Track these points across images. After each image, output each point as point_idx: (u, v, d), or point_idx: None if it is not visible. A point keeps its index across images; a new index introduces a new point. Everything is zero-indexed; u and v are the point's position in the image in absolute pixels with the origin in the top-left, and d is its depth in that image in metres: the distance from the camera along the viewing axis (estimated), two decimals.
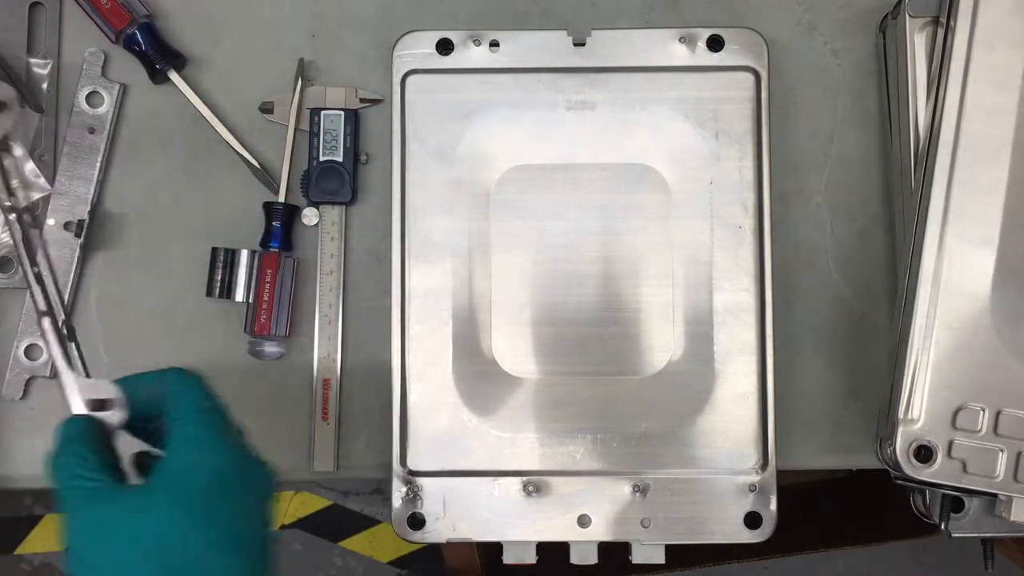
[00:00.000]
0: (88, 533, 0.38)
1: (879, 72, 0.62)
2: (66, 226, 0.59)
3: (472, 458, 0.57)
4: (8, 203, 0.47)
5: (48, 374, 0.59)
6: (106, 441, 0.42)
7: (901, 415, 0.53)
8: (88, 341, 0.60)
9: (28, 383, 0.60)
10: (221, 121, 0.61)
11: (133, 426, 0.43)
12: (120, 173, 0.61)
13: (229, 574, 0.39)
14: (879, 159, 0.61)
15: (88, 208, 0.60)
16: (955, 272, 0.53)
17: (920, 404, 0.53)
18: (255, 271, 0.58)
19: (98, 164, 0.60)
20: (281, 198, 0.60)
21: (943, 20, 0.56)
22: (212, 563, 0.38)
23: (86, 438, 0.41)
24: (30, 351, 0.59)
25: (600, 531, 0.57)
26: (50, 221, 0.60)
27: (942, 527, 0.56)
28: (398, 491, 0.57)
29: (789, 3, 0.62)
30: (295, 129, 0.60)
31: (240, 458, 0.44)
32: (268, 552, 0.41)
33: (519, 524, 0.57)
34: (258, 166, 0.61)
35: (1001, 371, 0.53)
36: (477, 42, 0.59)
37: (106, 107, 0.61)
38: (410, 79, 0.59)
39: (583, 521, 0.57)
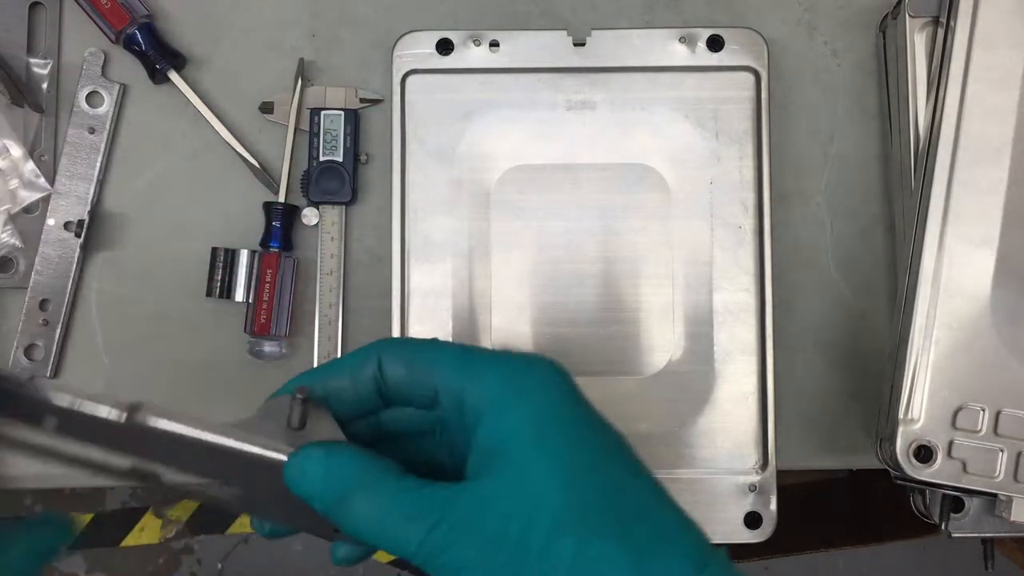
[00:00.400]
0: (459, 552, 0.32)
1: (879, 72, 0.62)
2: (66, 226, 0.59)
3: None
4: None
5: (48, 374, 0.59)
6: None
7: (901, 415, 0.53)
8: (88, 341, 0.60)
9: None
10: (221, 121, 0.61)
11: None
12: (120, 173, 0.61)
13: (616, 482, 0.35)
14: (879, 159, 0.61)
15: (88, 208, 0.60)
16: (955, 272, 0.53)
17: (920, 404, 0.53)
18: (255, 271, 0.58)
19: (98, 164, 0.60)
20: (281, 198, 0.60)
21: (943, 20, 0.56)
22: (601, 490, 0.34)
23: (375, 468, 0.34)
24: (30, 351, 0.59)
25: None
26: (50, 221, 0.60)
27: (942, 527, 0.56)
28: None
29: (789, 3, 0.62)
30: (295, 129, 0.61)
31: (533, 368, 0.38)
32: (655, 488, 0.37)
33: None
34: (258, 166, 0.61)
35: (1001, 371, 0.53)
36: (477, 42, 0.59)
37: (106, 107, 0.61)
38: (410, 79, 0.59)
39: None
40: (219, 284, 0.58)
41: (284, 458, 0.34)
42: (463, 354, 0.37)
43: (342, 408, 0.37)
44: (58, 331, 0.59)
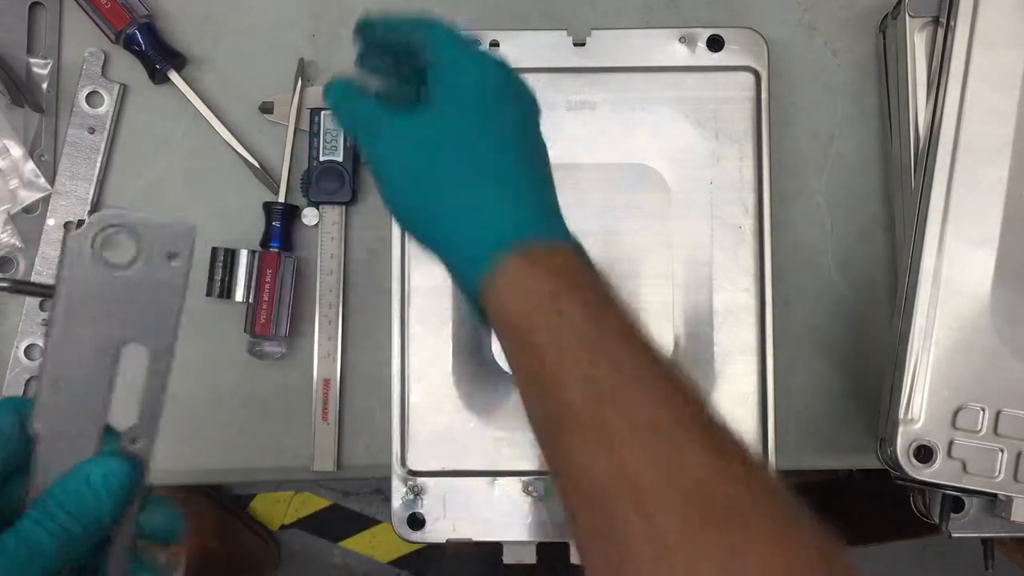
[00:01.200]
0: (398, 150, 0.42)
1: (879, 72, 0.62)
2: (66, 226, 0.59)
3: (472, 458, 0.57)
4: None
5: None
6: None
7: (901, 415, 0.53)
8: None
9: (28, 383, 0.60)
10: (221, 121, 0.61)
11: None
12: (120, 173, 0.61)
13: (535, 167, 0.45)
14: (879, 159, 0.61)
15: (88, 208, 0.60)
16: (955, 272, 0.53)
17: (920, 404, 0.53)
18: (255, 271, 0.58)
19: (98, 164, 0.60)
20: (281, 198, 0.60)
21: (943, 20, 0.56)
22: (492, 161, 0.42)
23: (361, 92, 0.45)
24: (30, 351, 0.59)
25: None
26: (50, 221, 0.60)
27: (942, 527, 0.56)
28: (398, 491, 0.57)
29: (789, 3, 0.62)
30: (295, 129, 0.61)
31: (506, 70, 0.45)
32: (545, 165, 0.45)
33: (519, 524, 0.57)
34: (258, 166, 0.61)
35: (1001, 371, 0.53)
36: (477, 42, 0.59)
37: (106, 107, 0.61)
38: None
39: None
40: (219, 284, 0.58)
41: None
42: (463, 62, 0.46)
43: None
44: None
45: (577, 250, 0.42)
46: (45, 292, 0.35)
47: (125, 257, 0.35)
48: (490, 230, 0.40)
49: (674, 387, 0.36)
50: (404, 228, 0.44)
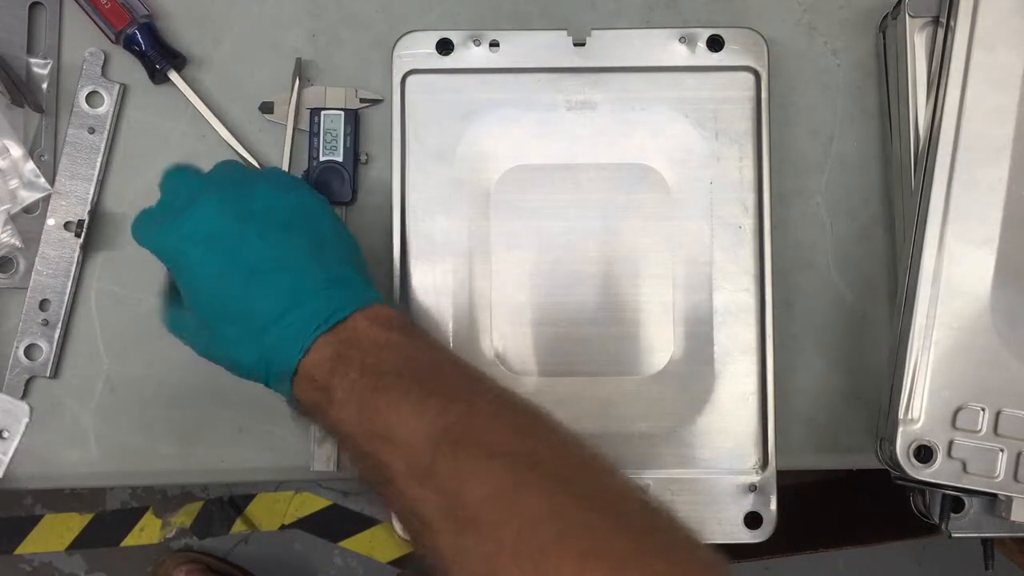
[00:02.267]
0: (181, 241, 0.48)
1: (879, 72, 0.62)
2: (66, 226, 0.59)
3: None
4: None
5: (48, 374, 0.59)
6: None
7: (901, 415, 0.53)
8: (87, 341, 0.60)
9: (28, 383, 0.60)
10: (221, 121, 0.61)
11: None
12: (120, 173, 0.61)
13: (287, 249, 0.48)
14: (879, 159, 0.61)
15: (88, 208, 0.60)
16: (955, 272, 0.53)
17: (920, 404, 0.53)
18: None
19: (98, 164, 0.60)
20: None
21: (943, 20, 0.56)
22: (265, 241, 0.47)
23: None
24: (30, 351, 0.59)
25: None
26: (50, 221, 0.60)
27: (942, 527, 0.56)
28: None
29: (789, 3, 0.62)
30: (294, 129, 0.60)
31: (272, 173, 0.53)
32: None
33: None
34: (258, 166, 0.60)
35: (1001, 371, 0.53)
36: (477, 42, 0.59)
37: (106, 107, 0.61)
38: (410, 79, 0.59)
39: None
40: None
41: None
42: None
43: None
44: (58, 331, 0.59)
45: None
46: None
47: None
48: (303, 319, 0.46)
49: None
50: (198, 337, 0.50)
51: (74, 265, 0.59)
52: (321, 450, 0.59)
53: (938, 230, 0.53)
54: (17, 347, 0.59)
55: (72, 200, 0.60)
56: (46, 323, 0.59)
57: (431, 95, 0.59)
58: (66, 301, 0.59)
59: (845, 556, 1.30)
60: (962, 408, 0.53)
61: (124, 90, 0.61)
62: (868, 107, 0.62)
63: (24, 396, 0.59)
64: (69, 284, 0.59)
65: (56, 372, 0.60)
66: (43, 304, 0.59)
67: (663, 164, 0.59)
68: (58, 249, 0.59)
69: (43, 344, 0.59)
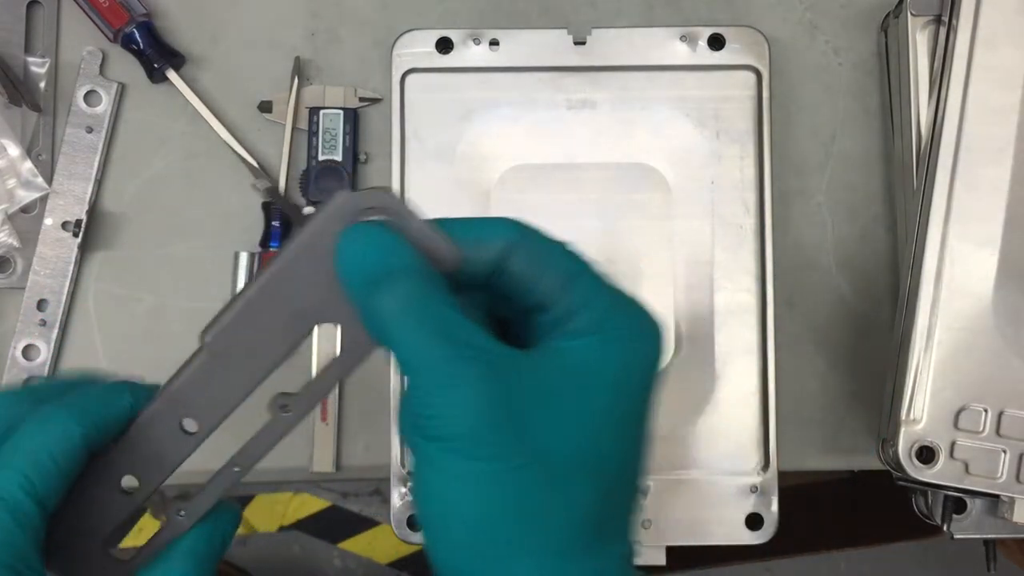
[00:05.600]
0: (495, 406, 0.27)
1: (881, 71, 0.61)
2: (64, 226, 0.59)
3: None
4: None
5: (46, 374, 0.59)
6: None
7: (903, 416, 0.52)
8: (86, 341, 0.60)
9: (26, 384, 0.59)
10: (220, 120, 0.61)
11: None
12: (118, 173, 0.61)
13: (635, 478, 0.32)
14: (881, 158, 0.61)
15: (86, 208, 0.59)
16: (957, 272, 0.53)
17: (922, 405, 0.52)
18: (255, 272, 0.58)
19: (96, 163, 0.60)
20: None
21: (945, 19, 0.56)
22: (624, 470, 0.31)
23: (431, 272, 0.29)
24: (28, 351, 0.59)
25: None
26: (48, 221, 0.59)
27: (944, 528, 0.56)
28: (397, 492, 0.56)
29: (790, 2, 0.62)
30: (293, 128, 0.60)
31: (647, 318, 0.33)
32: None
33: None
34: (257, 165, 0.60)
35: (1003, 371, 0.52)
36: (477, 41, 0.59)
37: (104, 106, 0.61)
38: (410, 78, 0.59)
39: None
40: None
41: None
42: (603, 287, 0.34)
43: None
44: (56, 331, 0.59)
45: None
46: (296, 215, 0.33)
47: None
48: None
49: None
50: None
51: (72, 265, 0.59)
52: (321, 451, 0.59)
53: (940, 230, 0.53)
54: (14, 348, 0.59)
55: (70, 200, 0.60)
56: (44, 323, 0.59)
57: (431, 94, 0.59)
58: (64, 301, 0.59)
59: (847, 557, 1.30)
60: (964, 409, 0.52)
61: (122, 89, 0.61)
62: (870, 106, 0.62)
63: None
64: (67, 284, 0.59)
65: (54, 373, 0.59)
66: (41, 304, 0.59)
67: (664, 163, 0.59)
68: (56, 249, 0.59)
69: (41, 345, 0.59)
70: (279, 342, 0.32)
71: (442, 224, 0.32)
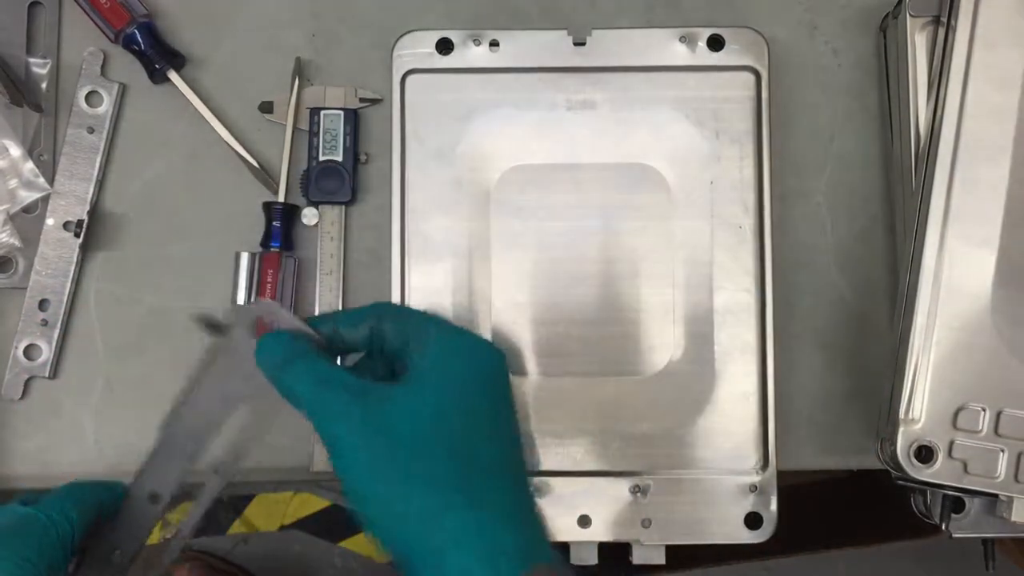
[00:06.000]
0: (355, 430, 0.39)
1: (880, 72, 0.61)
2: (65, 226, 0.59)
3: None
4: None
5: (47, 374, 0.59)
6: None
7: (902, 415, 0.52)
8: (87, 340, 0.60)
9: (28, 383, 0.59)
10: (220, 121, 0.61)
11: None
12: (119, 173, 0.61)
13: (496, 454, 0.41)
14: (880, 159, 0.61)
15: (87, 208, 0.60)
16: (956, 272, 0.53)
17: (921, 404, 0.52)
18: (256, 272, 0.58)
19: (97, 164, 0.60)
20: (281, 198, 0.60)
21: (944, 20, 0.56)
22: (479, 446, 0.40)
23: (313, 351, 0.43)
24: (29, 351, 0.59)
25: (600, 531, 0.56)
26: (49, 221, 0.59)
27: (943, 527, 0.56)
28: None
29: (790, 3, 0.62)
30: (294, 128, 0.60)
31: (477, 342, 0.45)
32: (518, 436, 0.43)
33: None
34: (257, 166, 0.60)
35: (1002, 371, 0.53)
36: (477, 42, 0.59)
37: (105, 107, 0.61)
38: (410, 79, 0.59)
39: (583, 521, 0.56)
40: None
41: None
42: (442, 331, 0.45)
43: (333, 343, 0.45)
44: (57, 331, 0.59)
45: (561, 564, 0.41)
46: (220, 331, 0.46)
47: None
48: (496, 556, 0.38)
49: None
50: (367, 526, 0.39)
51: (73, 265, 0.59)
52: (321, 450, 0.59)
53: (939, 230, 0.53)
54: (16, 347, 0.59)
55: (71, 200, 0.60)
56: (45, 323, 0.59)
57: (431, 95, 0.59)
58: (65, 301, 0.59)
59: (845, 557, 1.29)
60: (963, 408, 0.52)
61: (123, 90, 0.61)
62: (869, 106, 0.62)
63: (23, 396, 0.59)
64: (68, 284, 0.59)
65: (55, 372, 0.60)
66: (42, 304, 0.59)
67: (663, 164, 0.59)
68: (57, 249, 0.59)
69: (42, 344, 0.59)
70: (213, 422, 0.46)
71: (331, 316, 0.46)
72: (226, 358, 0.45)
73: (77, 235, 0.59)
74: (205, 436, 0.46)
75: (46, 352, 0.59)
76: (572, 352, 0.58)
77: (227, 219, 0.61)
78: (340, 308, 0.59)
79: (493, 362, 0.44)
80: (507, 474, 0.42)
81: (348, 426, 0.39)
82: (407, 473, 0.39)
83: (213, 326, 0.46)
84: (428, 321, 0.45)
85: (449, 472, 0.39)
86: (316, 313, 0.59)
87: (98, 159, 0.60)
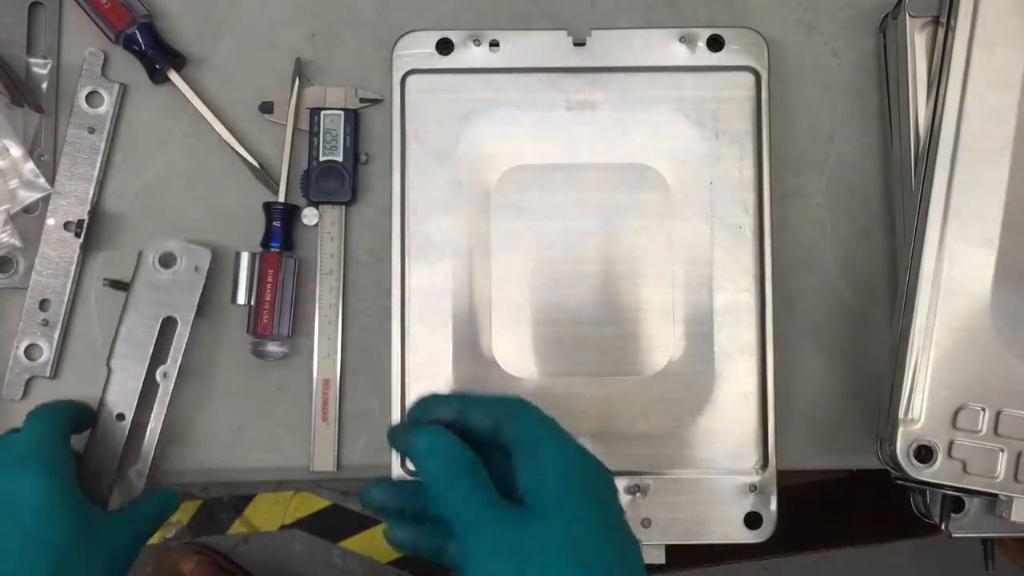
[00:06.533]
0: (505, 556, 0.40)
1: (879, 72, 0.62)
2: (66, 226, 0.59)
3: None
4: None
5: (48, 374, 0.59)
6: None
7: (901, 415, 0.53)
8: (88, 341, 0.60)
9: (28, 383, 0.59)
10: (221, 121, 0.61)
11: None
12: (120, 173, 0.61)
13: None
14: (879, 159, 0.61)
15: (88, 208, 0.60)
16: (955, 272, 0.53)
17: (920, 404, 0.53)
18: (256, 272, 0.58)
19: (98, 164, 0.60)
20: (281, 198, 0.60)
21: (943, 20, 0.56)
22: (612, 560, 0.40)
23: (475, 466, 0.43)
24: (30, 351, 0.59)
25: None
26: (50, 221, 0.60)
27: (942, 527, 0.56)
28: None
29: (789, 3, 0.62)
30: (294, 129, 0.60)
31: (592, 460, 0.45)
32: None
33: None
34: (258, 166, 0.61)
35: (1001, 371, 0.53)
36: (477, 42, 0.59)
37: (106, 107, 0.61)
38: (410, 79, 0.59)
39: None
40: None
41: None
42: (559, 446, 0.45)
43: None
44: (58, 331, 0.59)
45: None
46: (124, 287, 0.57)
47: (171, 265, 0.57)
48: None
49: None
50: None
51: (74, 265, 0.59)
52: (321, 450, 0.59)
53: (938, 230, 0.53)
54: (17, 347, 0.59)
55: (72, 200, 0.60)
56: (46, 323, 0.59)
57: (431, 95, 0.59)
58: (66, 301, 0.59)
59: (845, 556, 1.30)
60: (962, 408, 0.53)
61: (124, 90, 0.61)
62: (868, 107, 0.62)
63: (24, 396, 0.59)
64: (69, 284, 0.59)
65: (56, 372, 0.60)
66: (43, 304, 0.59)
67: (663, 164, 0.59)
68: (58, 249, 0.59)
69: (43, 344, 0.59)
70: (148, 338, 0.57)
71: (459, 399, 0.47)
72: (140, 286, 0.57)
73: (78, 235, 0.59)
74: (147, 357, 0.56)
75: (47, 352, 0.59)
76: (572, 352, 0.58)
77: (227, 219, 0.61)
78: (340, 312, 0.59)
79: (606, 482, 0.45)
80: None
81: (491, 548, 0.40)
82: None
83: (119, 284, 0.57)
84: (544, 432, 0.45)
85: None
86: (317, 317, 0.59)
87: (99, 159, 0.60)
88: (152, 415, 0.57)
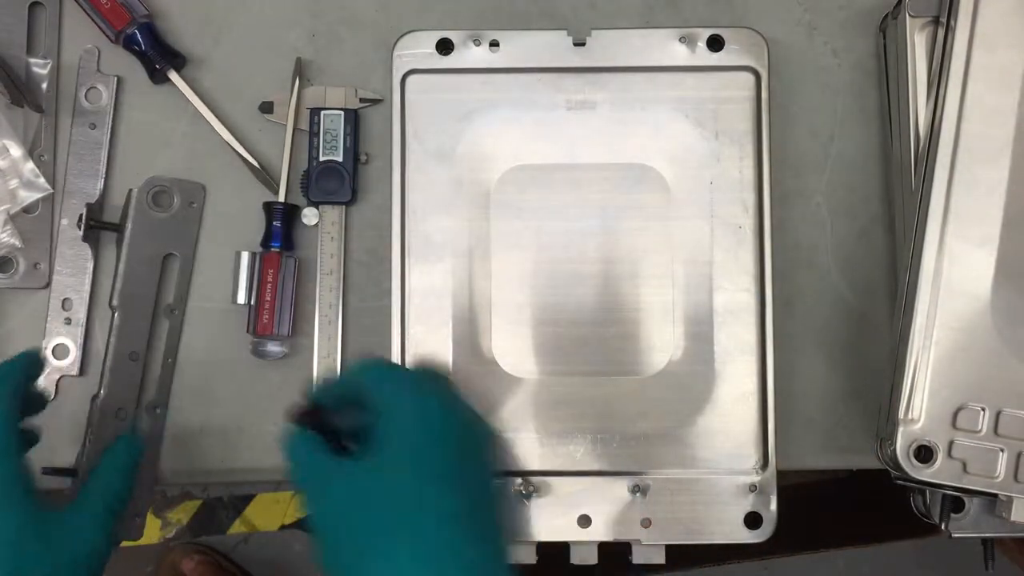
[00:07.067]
0: (330, 506, 0.42)
1: (879, 72, 0.62)
2: (78, 223, 0.59)
3: None
4: None
5: (76, 372, 0.59)
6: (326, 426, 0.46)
7: (901, 415, 0.53)
8: (93, 337, 0.60)
9: (58, 382, 0.59)
10: (221, 121, 0.61)
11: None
12: (121, 173, 0.61)
13: (466, 519, 0.41)
14: (879, 159, 0.61)
15: (92, 201, 0.60)
16: (955, 272, 0.53)
17: (920, 404, 0.53)
18: (256, 272, 0.58)
19: (103, 159, 0.60)
20: (281, 198, 0.60)
21: (943, 20, 0.56)
22: (447, 509, 0.41)
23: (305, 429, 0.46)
24: (57, 351, 0.59)
25: (600, 531, 0.57)
26: (63, 221, 0.60)
27: (942, 527, 0.56)
28: None
29: (789, 3, 0.62)
30: (294, 129, 0.60)
31: (452, 406, 0.45)
32: (496, 500, 0.44)
33: (519, 524, 0.57)
34: (258, 166, 0.61)
35: (1001, 371, 0.53)
36: (477, 42, 0.59)
37: (104, 100, 0.61)
38: (410, 79, 0.59)
39: (583, 521, 0.57)
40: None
41: None
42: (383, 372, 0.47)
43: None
44: (81, 328, 0.59)
45: None
46: (116, 227, 0.59)
47: (165, 203, 0.59)
48: None
49: None
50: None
51: (90, 262, 0.60)
52: None
53: (938, 230, 0.53)
54: (46, 347, 0.59)
55: (81, 198, 0.60)
56: (69, 322, 0.59)
57: (431, 95, 0.59)
58: (86, 298, 0.59)
59: (845, 556, 1.30)
60: (962, 408, 0.53)
61: (120, 81, 0.61)
62: (868, 107, 0.62)
63: (55, 396, 0.59)
64: (87, 283, 0.59)
65: (82, 370, 0.60)
66: (65, 303, 0.59)
67: (663, 164, 0.59)
68: (74, 248, 0.60)
69: (68, 343, 0.59)
70: (153, 276, 0.59)
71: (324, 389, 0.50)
72: (137, 227, 0.58)
73: (79, 227, 0.59)
74: (152, 295, 0.58)
75: (73, 350, 0.59)
76: (572, 352, 0.58)
77: (227, 219, 0.61)
78: (340, 312, 0.59)
79: (468, 435, 0.45)
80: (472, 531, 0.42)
81: (316, 507, 0.43)
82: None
83: (107, 225, 0.59)
84: (392, 387, 0.45)
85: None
86: (317, 317, 0.60)
87: (102, 154, 0.60)
88: (164, 350, 0.59)
